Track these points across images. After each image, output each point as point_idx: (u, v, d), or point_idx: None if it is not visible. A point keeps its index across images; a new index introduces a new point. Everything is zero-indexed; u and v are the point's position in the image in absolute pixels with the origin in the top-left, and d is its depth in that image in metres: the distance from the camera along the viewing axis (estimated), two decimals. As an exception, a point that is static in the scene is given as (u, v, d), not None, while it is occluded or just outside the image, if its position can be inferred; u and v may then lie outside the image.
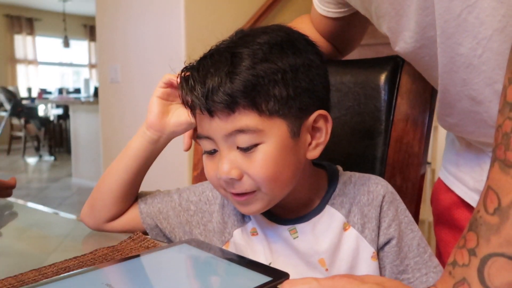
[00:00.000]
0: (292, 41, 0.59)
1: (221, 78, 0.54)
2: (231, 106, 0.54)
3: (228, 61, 0.55)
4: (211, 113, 0.56)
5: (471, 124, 0.68)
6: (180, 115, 0.67)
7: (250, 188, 0.58)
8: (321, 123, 0.60)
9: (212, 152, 0.59)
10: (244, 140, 0.56)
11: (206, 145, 0.60)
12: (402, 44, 0.68)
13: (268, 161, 0.56)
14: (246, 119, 0.55)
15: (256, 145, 0.56)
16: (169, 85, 0.67)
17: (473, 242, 0.42)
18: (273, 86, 0.55)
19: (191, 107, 0.59)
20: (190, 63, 0.59)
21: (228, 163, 0.57)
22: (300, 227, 0.64)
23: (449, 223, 0.80)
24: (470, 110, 0.65)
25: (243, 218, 0.67)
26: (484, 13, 0.54)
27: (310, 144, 0.60)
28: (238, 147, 0.57)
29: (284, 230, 0.64)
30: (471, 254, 0.42)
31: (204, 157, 0.61)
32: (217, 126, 0.56)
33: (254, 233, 0.66)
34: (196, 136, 0.62)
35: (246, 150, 0.56)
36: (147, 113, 0.68)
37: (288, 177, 0.59)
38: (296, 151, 0.59)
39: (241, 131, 0.55)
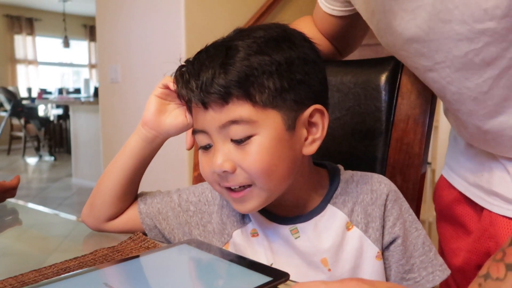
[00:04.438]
0: (288, 36, 0.59)
1: (215, 70, 0.55)
2: (224, 97, 0.55)
3: (222, 53, 0.56)
4: (205, 105, 0.56)
5: (482, 144, 0.69)
6: (177, 116, 0.67)
7: (245, 181, 0.57)
8: (317, 118, 0.60)
9: (207, 147, 0.60)
10: (237, 131, 0.56)
11: (201, 140, 0.60)
12: (401, 59, 0.69)
13: (262, 153, 0.56)
14: (240, 110, 0.55)
15: (249, 137, 0.56)
16: (167, 87, 0.67)
17: None
18: (267, 77, 0.55)
19: (187, 101, 0.60)
20: (187, 59, 0.60)
21: (221, 155, 0.57)
22: (301, 226, 0.63)
23: (451, 219, 0.81)
24: (479, 135, 0.67)
25: (243, 219, 0.67)
26: (490, 57, 0.55)
27: (306, 139, 0.60)
28: (232, 140, 0.56)
29: (285, 230, 0.63)
30: (509, 269, 0.40)
31: (200, 153, 0.61)
32: (211, 118, 0.57)
33: (254, 234, 0.66)
34: (192, 131, 0.62)
35: (240, 142, 0.56)
36: (144, 110, 0.69)
37: (283, 171, 0.58)
38: (292, 145, 0.58)
39: (234, 122, 0.55)
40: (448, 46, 0.57)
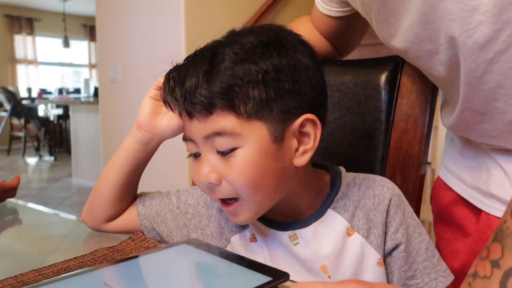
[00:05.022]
0: (280, 40, 0.56)
1: (199, 79, 0.53)
2: (208, 108, 0.53)
3: (207, 60, 0.54)
4: (190, 115, 0.55)
5: (474, 133, 0.69)
6: (171, 118, 0.65)
7: (230, 194, 0.56)
8: (308, 128, 0.57)
9: (197, 155, 0.58)
10: (221, 143, 0.54)
11: (191, 148, 0.59)
12: (402, 52, 0.68)
13: (246, 166, 0.54)
14: (224, 121, 0.53)
15: (234, 149, 0.54)
16: (160, 89, 0.64)
17: (497, 254, 0.40)
18: (252, 87, 0.52)
19: (172, 109, 0.58)
20: (176, 64, 0.58)
21: (207, 166, 0.56)
22: (301, 232, 0.62)
23: (448, 221, 0.80)
24: (473, 120, 0.66)
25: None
26: (483, 38, 0.54)
27: (297, 150, 0.57)
28: (217, 151, 0.55)
29: (284, 236, 0.62)
30: (494, 266, 0.39)
31: (191, 160, 0.60)
32: (196, 128, 0.55)
33: (253, 239, 0.64)
34: (182, 138, 0.60)
35: (225, 154, 0.54)
36: (139, 112, 0.67)
37: (269, 184, 0.56)
38: (280, 157, 0.56)
39: (218, 133, 0.54)
40: (443, 27, 0.57)
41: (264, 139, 0.54)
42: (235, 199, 0.57)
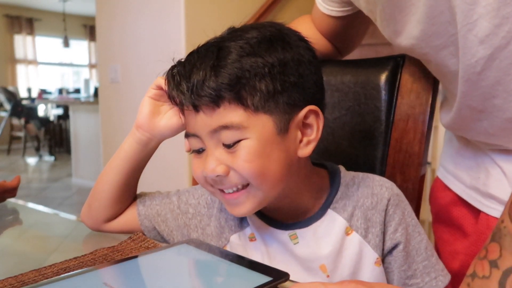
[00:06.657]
0: (283, 36, 0.58)
1: (206, 72, 0.53)
2: (216, 101, 0.53)
3: (214, 55, 0.54)
4: (196, 108, 0.55)
5: (472, 131, 0.68)
6: (171, 117, 0.65)
7: (240, 182, 0.56)
8: (311, 119, 0.58)
9: (200, 151, 0.58)
10: (228, 136, 0.55)
11: (194, 144, 0.59)
12: (408, 49, 0.68)
13: (251, 155, 0.55)
14: (231, 115, 0.54)
15: (239, 141, 0.55)
16: (160, 88, 0.65)
17: (496, 254, 0.40)
18: (260, 80, 0.54)
19: (177, 103, 0.58)
20: (179, 60, 0.59)
21: (214, 160, 0.56)
22: (301, 232, 0.62)
23: (447, 221, 0.80)
24: (471, 118, 0.66)
25: (241, 223, 0.66)
26: (483, 33, 0.54)
27: (301, 141, 0.58)
28: (223, 144, 0.56)
29: (284, 235, 0.62)
30: (493, 266, 0.40)
31: (192, 156, 0.60)
32: (203, 122, 0.55)
33: (252, 238, 0.65)
34: (185, 134, 0.61)
35: (230, 147, 0.55)
36: (138, 113, 0.67)
37: (276, 172, 0.56)
38: (285, 147, 0.57)
39: (225, 127, 0.54)
40: (452, 19, 0.57)
41: (269, 131, 0.55)
42: (239, 189, 0.57)
